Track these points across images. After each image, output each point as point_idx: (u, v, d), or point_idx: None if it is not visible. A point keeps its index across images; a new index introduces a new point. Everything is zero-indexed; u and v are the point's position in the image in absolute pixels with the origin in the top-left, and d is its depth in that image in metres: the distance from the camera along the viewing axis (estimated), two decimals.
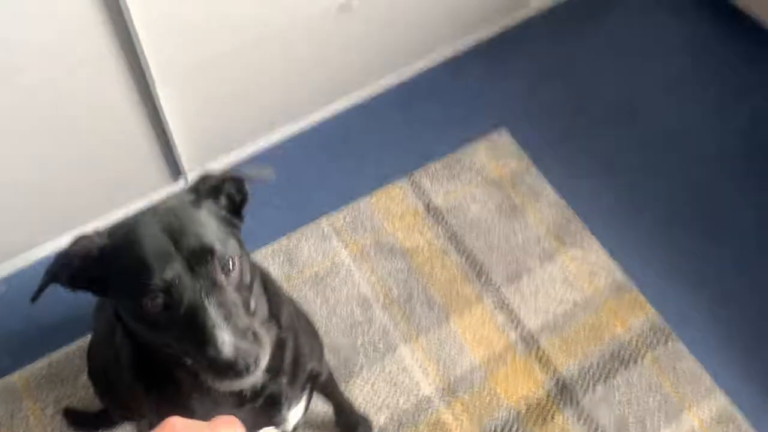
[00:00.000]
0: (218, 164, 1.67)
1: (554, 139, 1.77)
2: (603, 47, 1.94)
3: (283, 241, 1.60)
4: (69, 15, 1.13)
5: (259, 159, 1.71)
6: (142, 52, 1.24)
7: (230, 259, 0.76)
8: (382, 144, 1.76)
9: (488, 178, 1.70)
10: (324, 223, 1.63)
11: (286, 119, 1.72)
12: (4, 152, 1.29)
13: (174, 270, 0.73)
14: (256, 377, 0.76)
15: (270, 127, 1.70)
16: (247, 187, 0.83)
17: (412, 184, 1.69)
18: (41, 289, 0.78)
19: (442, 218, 1.64)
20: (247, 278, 0.80)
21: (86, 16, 1.14)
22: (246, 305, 0.78)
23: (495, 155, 1.73)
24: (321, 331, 1.17)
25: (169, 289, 0.72)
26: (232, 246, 0.78)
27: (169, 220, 0.75)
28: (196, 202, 0.80)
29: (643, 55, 1.92)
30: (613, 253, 1.60)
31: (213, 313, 0.72)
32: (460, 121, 1.79)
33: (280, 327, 0.90)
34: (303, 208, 1.64)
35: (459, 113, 1.80)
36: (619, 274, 1.57)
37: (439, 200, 1.66)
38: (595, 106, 1.83)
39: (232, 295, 0.75)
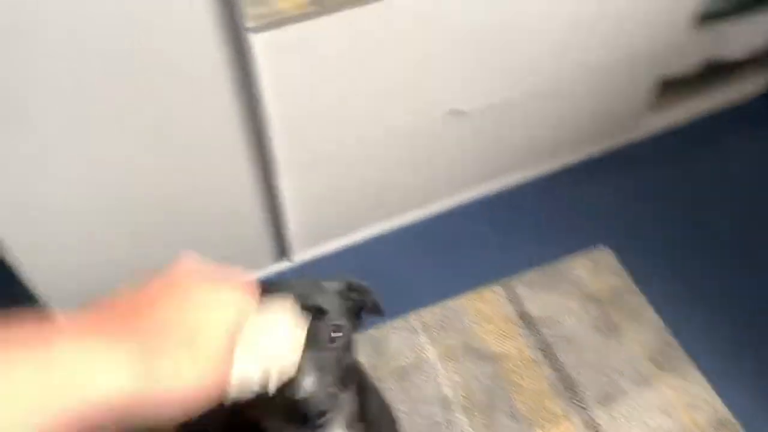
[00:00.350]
0: (324, 249, 1.75)
1: (659, 261, 1.72)
2: (713, 171, 1.91)
3: (372, 331, 1.63)
4: (210, 105, 1.25)
5: (359, 249, 1.78)
6: (271, 145, 1.35)
7: (338, 327, 0.79)
8: (478, 248, 1.78)
9: (587, 292, 1.67)
10: (413, 318, 1.64)
11: (389, 213, 1.79)
12: (107, 228, 1.36)
13: None
14: None
15: (375, 219, 1.78)
16: (369, 299, 0.90)
17: (506, 290, 1.68)
18: None
19: (535, 328, 1.62)
20: (346, 360, 0.82)
21: (226, 103, 1.25)
22: (335, 377, 0.79)
23: (595, 270, 1.70)
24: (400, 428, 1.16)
25: None
26: (345, 323, 0.81)
27: (298, 291, 0.80)
28: (328, 286, 0.86)
29: (757, 181, 1.87)
30: (716, 386, 1.50)
31: (303, 360, 0.72)
32: (559, 234, 1.79)
33: (367, 420, 0.91)
34: (395, 302, 1.67)
35: (558, 226, 1.81)
36: (722, 410, 1.47)
37: (533, 309, 1.65)
38: (704, 231, 1.78)
39: (329, 359, 0.77)
